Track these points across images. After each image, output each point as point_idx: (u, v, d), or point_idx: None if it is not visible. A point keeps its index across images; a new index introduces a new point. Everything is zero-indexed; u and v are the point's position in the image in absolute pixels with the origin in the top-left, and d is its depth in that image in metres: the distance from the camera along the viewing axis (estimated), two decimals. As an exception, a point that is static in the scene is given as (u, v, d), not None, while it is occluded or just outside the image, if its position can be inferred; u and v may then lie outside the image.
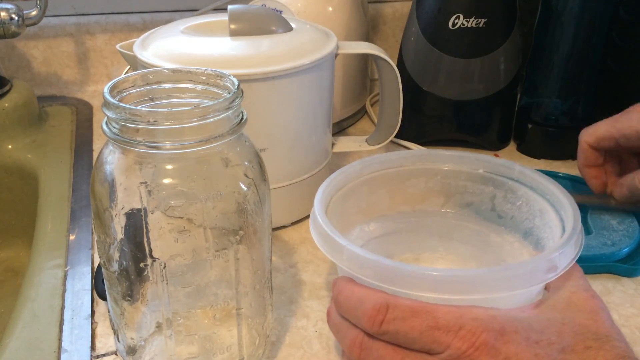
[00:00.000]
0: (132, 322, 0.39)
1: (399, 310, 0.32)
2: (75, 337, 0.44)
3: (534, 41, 0.68)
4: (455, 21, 0.65)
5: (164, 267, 0.35)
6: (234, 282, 0.38)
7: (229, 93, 0.35)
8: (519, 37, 0.68)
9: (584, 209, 0.57)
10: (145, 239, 0.35)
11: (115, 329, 0.40)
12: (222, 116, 0.33)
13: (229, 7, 0.55)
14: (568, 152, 0.70)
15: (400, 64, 0.70)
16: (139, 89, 0.36)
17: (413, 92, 0.68)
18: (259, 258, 0.39)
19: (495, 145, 0.72)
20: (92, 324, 0.45)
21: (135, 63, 0.54)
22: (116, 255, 0.36)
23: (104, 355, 0.42)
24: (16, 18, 0.69)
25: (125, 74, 0.79)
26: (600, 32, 0.64)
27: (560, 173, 0.65)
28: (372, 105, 0.83)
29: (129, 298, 0.38)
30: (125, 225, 0.35)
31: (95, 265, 0.50)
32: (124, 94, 0.35)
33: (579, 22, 0.64)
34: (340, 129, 0.77)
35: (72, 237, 0.55)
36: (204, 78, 0.37)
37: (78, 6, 0.87)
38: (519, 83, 0.71)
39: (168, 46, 0.53)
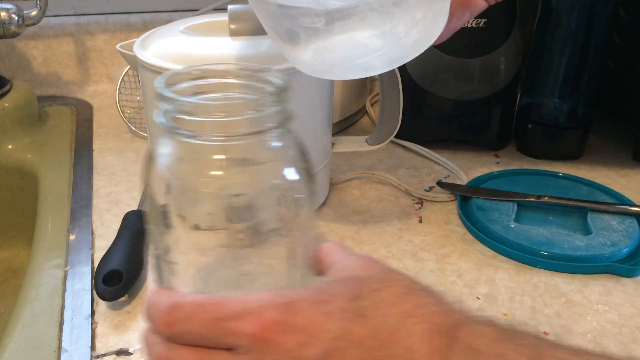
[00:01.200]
0: None
1: (186, 307, 0.30)
2: (75, 337, 0.44)
3: (534, 41, 0.68)
4: (455, 21, 0.65)
5: (218, 255, 0.36)
6: (283, 273, 0.38)
7: (275, 88, 0.36)
8: (519, 37, 0.68)
9: (583, 209, 0.57)
10: (197, 229, 0.36)
11: None
12: (270, 110, 0.34)
13: (229, 7, 0.55)
14: (568, 152, 0.70)
15: (400, 64, 0.70)
16: (188, 83, 0.37)
17: (413, 92, 0.68)
18: (307, 247, 0.40)
19: (495, 145, 0.72)
20: (92, 324, 0.45)
21: (135, 63, 0.54)
22: (170, 246, 0.37)
23: (104, 355, 0.42)
24: (16, 18, 0.69)
25: (125, 74, 0.79)
26: (600, 32, 0.64)
27: (560, 173, 0.65)
28: (372, 105, 0.83)
29: (184, 288, 0.39)
30: (178, 216, 0.36)
31: (96, 265, 0.50)
32: (175, 87, 0.37)
33: (579, 22, 0.64)
34: (340, 129, 0.77)
35: (72, 237, 0.55)
36: (251, 73, 0.38)
37: (78, 6, 0.87)
38: (519, 83, 0.71)
39: (168, 46, 0.53)
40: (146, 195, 0.37)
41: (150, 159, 0.37)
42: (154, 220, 0.38)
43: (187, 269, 0.38)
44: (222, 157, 0.35)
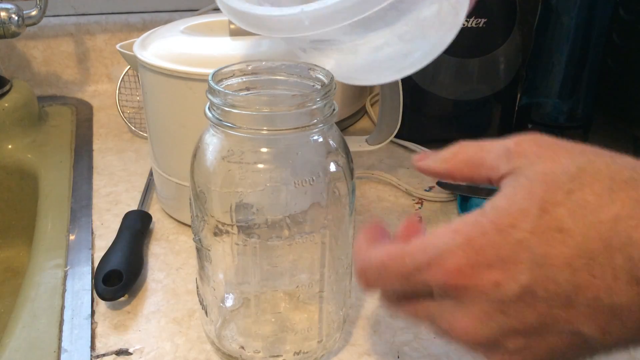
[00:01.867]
0: (220, 297, 0.41)
1: (372, 270, 0.30)
2: (75, 337, 0.44)
3: (534, 41, 0.68)
4: (455, 21, 0.65)
5: (256, 246, 0.37)
6: (320, 265, 0.39)
7: (321, 85, 0.37)
8: (519, 37, 0.68)
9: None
10: (239, 219, 0.37)
11: (204, 304, 0.41)
12: (316, 106, 0.35)
13: (229, 7, 0.55)
14: (568, 152, 0.70)
15: (400, 64, 0.70)
16: (237, 79, 0.38)
17: (413, 92, 0.68)
18: (343, 244, 0.40)
19: (495, 145, 0.72)
20: (92, 324, 0.45)
21: (135, 63, 0.54)
22: (211, 233, 0.38)
23: (103, 355, 0.42)
24: (16, 18, 0.69)
25: (125, 74, 0.79)
26: (600, 32, 0.64)
27: (560, 173, 0.65)
28: (372, 105, 0.83)
29: (218, 275, 0.40)
30: (221, 205, 0.37)
31: (95, 265, 0.50)
32: (225, 82, 0.38)
33: (579, 22, 0.64)
34: (340, 128, 0.77)
35: (72, 237, 0.55)
36: (297, 70, 0.39)
37: (78, 6, 0.88)
38: (519, 83, 0.71)
39: (168, 46, 0.53)
40: (190, 183, 0.38)
41: (195, 150, 0.38)
42: (195, 207, 0.39)
43: (222, 257, 0.39)
44: (266, 150, 0.36)
